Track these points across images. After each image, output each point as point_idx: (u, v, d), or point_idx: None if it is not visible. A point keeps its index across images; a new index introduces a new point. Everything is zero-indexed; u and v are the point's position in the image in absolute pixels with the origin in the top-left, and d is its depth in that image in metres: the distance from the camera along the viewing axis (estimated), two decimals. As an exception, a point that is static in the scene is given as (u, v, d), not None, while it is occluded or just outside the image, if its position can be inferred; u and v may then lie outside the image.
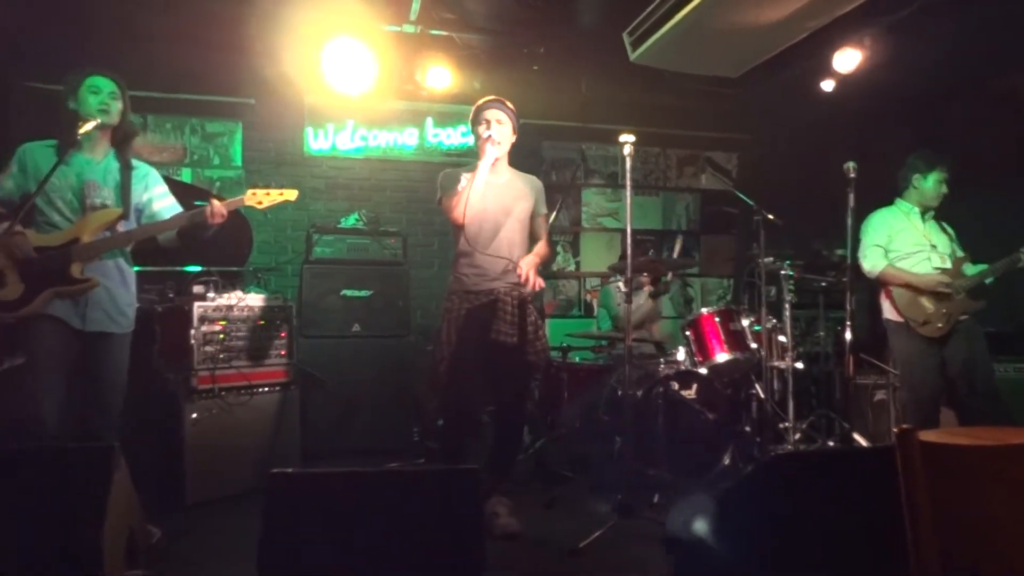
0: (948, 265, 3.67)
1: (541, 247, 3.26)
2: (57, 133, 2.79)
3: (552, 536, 3.08)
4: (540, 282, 3.07)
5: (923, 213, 3.79)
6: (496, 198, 3.18)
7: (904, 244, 3.75)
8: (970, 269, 3.70)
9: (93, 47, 4.65)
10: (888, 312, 3.79)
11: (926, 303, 3.62)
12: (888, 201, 3.92)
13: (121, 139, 2.92)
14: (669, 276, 5.05)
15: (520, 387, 3.29)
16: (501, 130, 3.20)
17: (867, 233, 3.83)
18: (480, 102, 3.28)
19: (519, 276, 3.05)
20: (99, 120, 2.75)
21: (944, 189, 3.73)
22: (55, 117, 2.83)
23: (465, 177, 3.20)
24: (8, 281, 2.65)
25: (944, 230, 3.83)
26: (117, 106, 2.85)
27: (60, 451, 2.26)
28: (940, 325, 3.58)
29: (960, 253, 3.77)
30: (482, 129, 3.20)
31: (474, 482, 2.04)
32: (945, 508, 1.19)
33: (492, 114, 3.22)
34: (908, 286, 3.66)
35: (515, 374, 3.19)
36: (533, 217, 3.32)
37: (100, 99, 2.79)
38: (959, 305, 3.58)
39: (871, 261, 3.76)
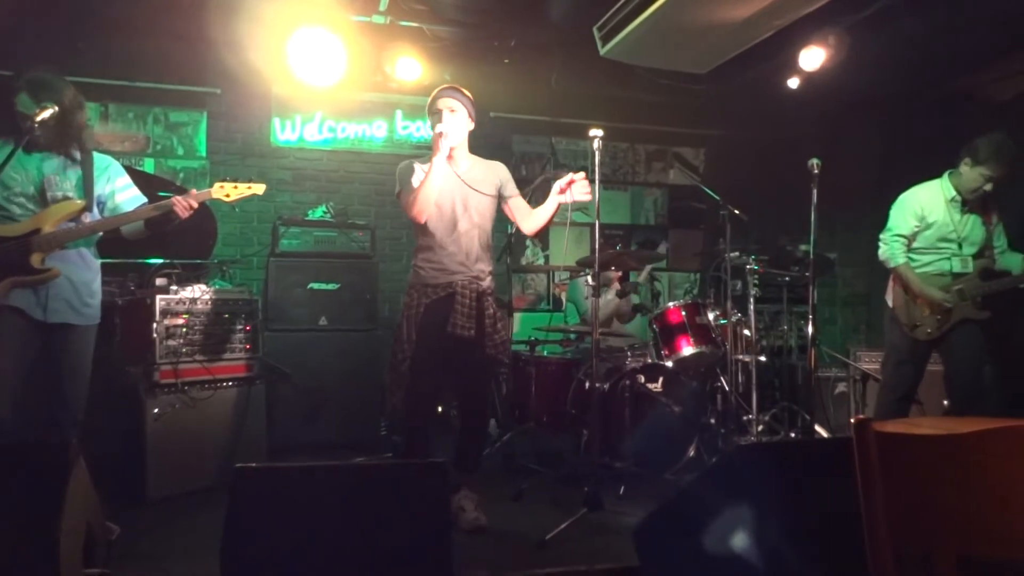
0: (969, 269, 3.58)
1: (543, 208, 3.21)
2: (10, 127, 2.72)
3: (519, 529, 3.09)
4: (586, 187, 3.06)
5: (964, 202, 3.58)
6: (454, 190, 3.13)
7: (930, 238, 3.62)
8: (1005, 263, 3.58)
9: (53, 33, 4.53)
10: (889, 299, 3.78)
11: (922, 308, 3.59)
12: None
13: (76, 133, 2.84)
14: (641, 275, 5.08)
15: (481, 380, 3.28)
16: (454, 119, 3.13)
17: (896, 217, 3.69)
18: (435, 91, 3.20)
19: (580, 186, 3.04)
20: (50, 115, 2.67)
21: (987, 187, 3.48)
22: (6, 105, 2.76)
23: (421, 170, 3.16)
24: (-36, 273, 2.57)
25: (986, 223, 3.62)
26: (50, 124, 2.70)
27: (15, 446, 2.20)
28: (930, 331, 3.57)
29: (998, 247, 3.62)
30: (435, 119, 3.13)
31: (441, 476, 2.04)
32: (898, 496, 1.23)
33: (445, 103, 3.14)
34: (910, 291, 3.63)
35: (475, 367, 3.17)
36: (507, 200, 3.26)
37: (29, 124, 2.65)
38: (959, 312, 3.52)
39: (889, 252, 3.67)
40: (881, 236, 3.75)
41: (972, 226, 3.62)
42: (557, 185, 3.12)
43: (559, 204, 3.15)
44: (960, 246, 3.61)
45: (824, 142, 5.59)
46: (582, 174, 3.09)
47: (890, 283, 3.80)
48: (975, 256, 3.62)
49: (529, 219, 3.25)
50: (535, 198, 3.34)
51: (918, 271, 3.66)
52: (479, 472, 3.31)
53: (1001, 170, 3.45)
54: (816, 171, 3.43)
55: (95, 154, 2.92)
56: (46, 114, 2.64)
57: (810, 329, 3.51)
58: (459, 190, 3.14)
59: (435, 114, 3.16)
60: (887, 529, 1.23)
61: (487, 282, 3.21)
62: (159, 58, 5.14)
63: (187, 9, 4.50)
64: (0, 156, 2.64)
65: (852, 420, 1.28)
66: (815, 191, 3.42)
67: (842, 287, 6.45)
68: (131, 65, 5.16)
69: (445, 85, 3.23)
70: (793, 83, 5.23)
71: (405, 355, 3.04)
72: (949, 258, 3.62)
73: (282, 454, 4.15)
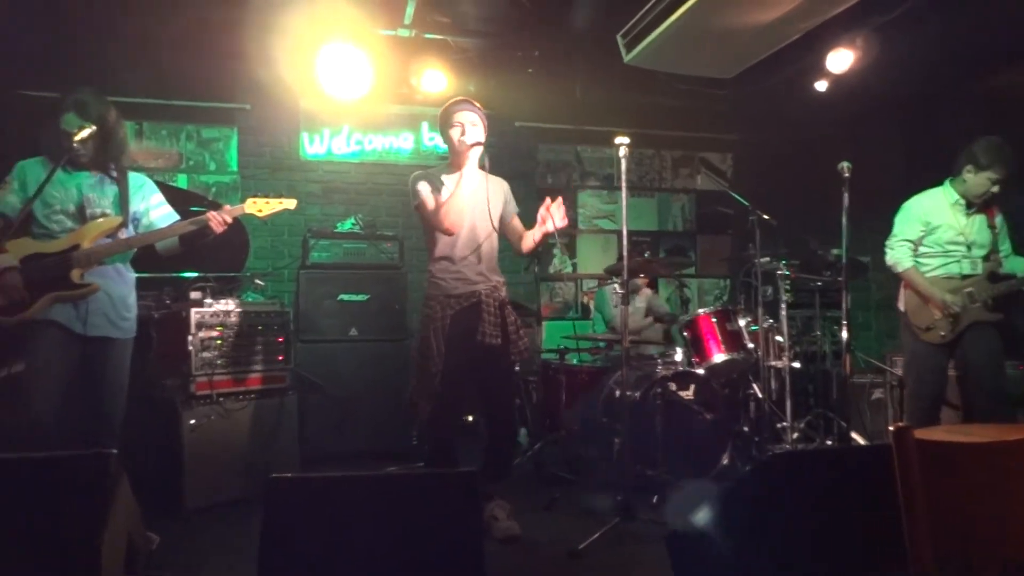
0: (979, 271, 3.57)
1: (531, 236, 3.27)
2: (49, 148, 2.80)
3: (552, 538, 3.08)
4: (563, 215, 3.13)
5: (968, 205, 3.60)
6: (473, 202, 3.18)
7: (938, 240, 3.62)
8: (1010, 267, 3.58)
9: (86, 54, 4.66)
10: (900, 304, 3.78)
11: (933, 310, 3.57)
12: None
13: (116, 152, 2.92)
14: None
15: (507, 388, 3.31)
16: (477, 132, 3.17)
17: (901, 223, 3.71)
18: (448, 104, 3.23)
19: (557, 208, 3.10)
20: (88, 134, 2.74)
21: (994, 189, 3.51)
22: (47, 126, 2.83)
23: (446, 181, 3.19)
24: (9, 287, 2.65)
25: (991, 224, 3.63)
26: (90, 144, 2.79)
27: (59, 459, 2.25)
28: (943, 334, 3.54)
29: (1003, 251, 3.62)
30: (456, 133, 3.16)
31: (473, 485, 2.04)
32: (940, 503, 1.20)
33: (466, 116, 3.16)
34: (919, 294, 3.62)
35: (501, 375, 3.20)
36: (507, 219, 3.32)
37: (70, 144, 2.74)
38: (971, 315, 3.50)
39: (895, 256, 3.68)
40: (887, 242, 3.76)
41: (979, 228, 3.62)
42: (539, 214, 3.15)
43: (544, 233, 3.19)
44: (969, 248, 3.60)
45: (851, 143, 5.52)
46: (559, 200, 3.14)
47: (901, 289, 3.79)
48: (984, 259, 3.61)
49: (521, 241, 3.31)
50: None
51: (928, 275, 3.65)
52: (509, 480, 3.31)
53: (1006, 171, 3.47)
54: (847, 174, 3.39)
55: (130, 173, 3.00)
56: (85, 133, 2.71)
57: (844, 334, 3.46)
58: (478, 202, 3.18)
59: (455, 126, 3.17)
60: (929, 537, 1.20)
61: (504, 291, 3.26)
62: (191, 76, 5.27)
63: (219, 27, 4.60)
64: (41, 174, 2.72)
65: (891, 427, 1.26)
66: (846, 194, 3.38)
67: (876, 291, 6.34)
68: (164, 84, 5.29)
69: (460, 98, 3.25)
70: (821, 86, 5.17)
71: (436, 368, 3.04)
72: (959, 260, 3.61)
73: (314, 464, 4.19)
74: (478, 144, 3.10)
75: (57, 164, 2.68)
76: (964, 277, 3.59)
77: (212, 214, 2.89)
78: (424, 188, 3.19)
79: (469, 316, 3.10)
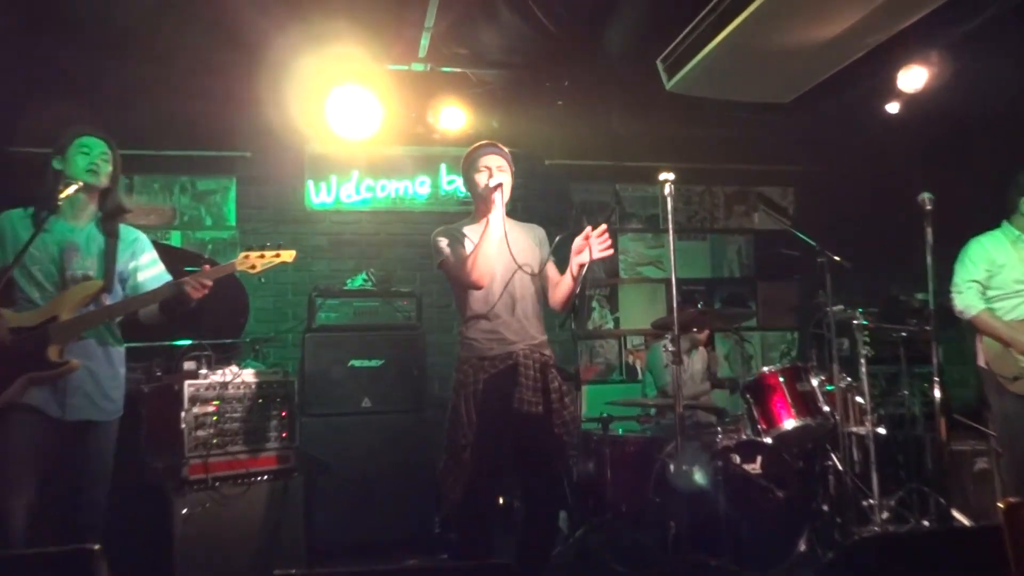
0: None
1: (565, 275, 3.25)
2: (37, 199, 2.86)
3: (601, 642, 3.00)
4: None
5: None
6: (502, 253, 3.18)
7: (1005, 281, 3.68)
8: None
9: (76, 105, 4.85)
10: (981, 359, 3.75)
11: (1018, 356, 3.55)
12: (974, 232, 3.88)
13: (109, 209, 2.99)
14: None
15: (548, 463, 3.24)
16: (505, 177, 3.21)
17: (964, 265, 3.77)
18: (472, 148, 3.31)
19: (597, 237, 3.05)
20: (83, 182, 2.83)
21: None
22: (39, 182, 2.90)
23: (468, 232, 3.24)
24: (-22, 368, 2.69)
25: None
26: (107, 168, 2.92)
27: (35, 557, 2.26)
28: None
29: None
30: (482, 177, 3.20)
31: (507, 580, 2.00)
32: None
33: (492, 160, 3.23)
34: (999, 340, 3.60)
35: (542, 448, 3.15)
36: (542, 267, 3.31)
37: (90, 160, 2.87)
38: None
39: (965, 300, 3.70)
40: (952, 287, 3.76)
41: None
42: (575, 245, 3.14)
43: (580, 265, 3.14)
44: None
45: (932, 172, 5.48)
46: (603, 227, 3.10)
47: (977, 342, 3.77)
48: None
49: (555, 290, 3.29)
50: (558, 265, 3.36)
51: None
52: (549, 572, 3.23)
53: None
54: (928, 206, 3.37)
55: (122, 226, 3.04)
56: (71, 190, 2.79)
57: (937, 393, 3.38)
58: (507, 253, 3.19)
59: (481, 171, 3.23)
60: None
61: (548, 351, 3.24)
62: (186, 123, 5.44)
63: (214, 69, 4.76)
64: (26, 226, 2.79)
65: (1000, 504, 1.22)
66: (929, 230, 3.35)
67: (972, 341, 6.20)
68: (157, 132, 5.45)
69: (485, 142, 3.33)
70: (892, 108, 5.18)
71: (467, 440, 3.03)
72: None
73: (324, 557, 4.15)
74: (499, 186, 3.12)
75: (43, 214, 2.75)
76: None
77: (189, 279, 2.85)
78: (444, 243, 3.25)
79: (505, 380, 3.09)
